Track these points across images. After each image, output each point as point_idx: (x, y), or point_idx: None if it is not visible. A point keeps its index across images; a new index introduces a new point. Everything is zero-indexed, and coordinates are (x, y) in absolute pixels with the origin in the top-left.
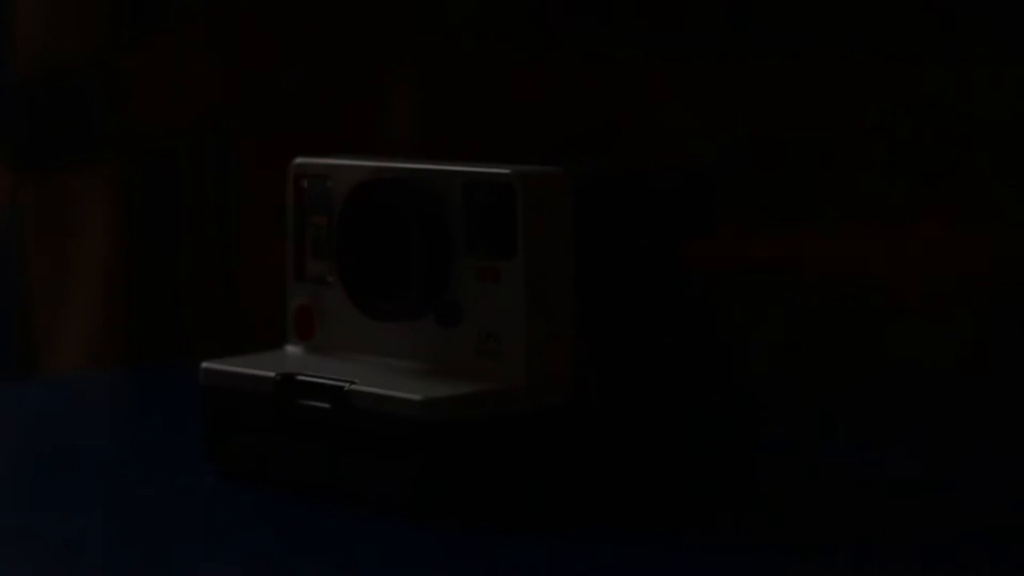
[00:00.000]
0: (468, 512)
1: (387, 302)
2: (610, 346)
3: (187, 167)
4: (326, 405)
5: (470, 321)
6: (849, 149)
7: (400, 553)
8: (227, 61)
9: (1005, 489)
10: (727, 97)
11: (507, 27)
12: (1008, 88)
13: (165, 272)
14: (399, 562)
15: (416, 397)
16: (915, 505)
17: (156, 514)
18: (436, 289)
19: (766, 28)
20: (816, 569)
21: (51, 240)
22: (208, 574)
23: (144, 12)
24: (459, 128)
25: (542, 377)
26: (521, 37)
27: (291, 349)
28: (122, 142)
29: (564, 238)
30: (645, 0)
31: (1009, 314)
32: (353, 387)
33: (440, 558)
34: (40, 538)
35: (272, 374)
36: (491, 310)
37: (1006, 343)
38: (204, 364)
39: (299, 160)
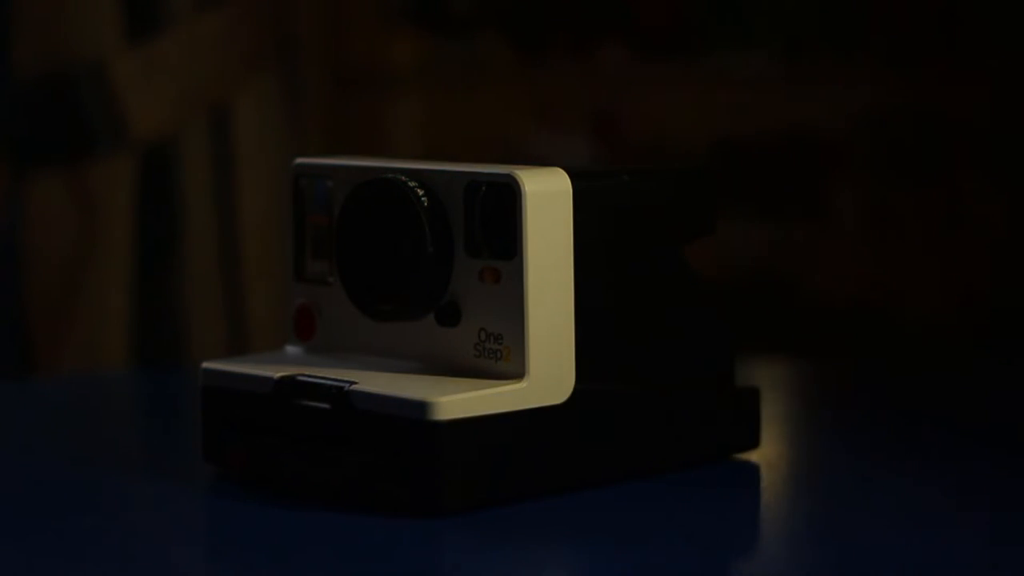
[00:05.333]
0: (468, 512)
1: (387, 302)
2: (610, 347)
3: (187, 167)
4: (326, 406)
5: (470, 321)
6: (849, 149)
7: (400, 553)
8: (227, 61)
9: (1004, 490)
10: (726, 97)
11: (507, 27)
12: (1007, 90)
13: (165, 272)
14: (399, 562)
15: (417, 398)
16: (915, 505)
17: (156, 514)
18: (436, 289)
19: (765, 28)
20: (817, 566)
21: (51, 239)
22: (208, 574)
23: (143, 13)
24: (459, 128)
25: (542, 377)
26: (521, 37)
27: (291, 349)
28: (122, 142)
29: (564, 238)
30: (645, 0)
31: (1008, 314)
32: (354, 387)
33: (440, 558)
34: (40, 538)
35: (272, 374)
36: (491, 310)
37: (1005, 343)
38: (204, 364)
39: (299, 160)
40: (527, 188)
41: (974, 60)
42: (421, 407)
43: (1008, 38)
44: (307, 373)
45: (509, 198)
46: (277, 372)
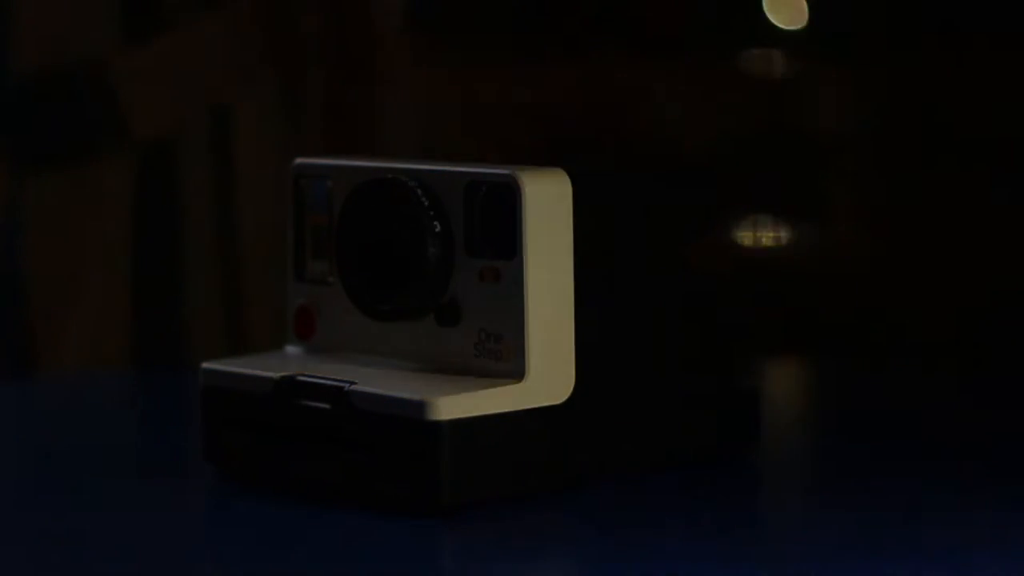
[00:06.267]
0: (468, 512)
1: (387, 302)
2: (610, 347)
3: (187, 167)
4: (326, 405)
5: (470, 321)
6: (848, 150)
7: (400, 553)
8: (227, 61)
9: (1004, 489)
10: (727, 97)
11: (506, 27)
12: (1007, 89)
13: (165, 272)
14: (399, 562)
15: (416, 397)
16: (915, 506)
17: (156, 514)
18: (436, 289)
19: (765, 28)
20: (816, 567)
21: (51, 240)
22: (208, 574)
23: (144, 13)
24: (459, 128)
25: (542, 377)
26: (520, 37)
27: (291, 349)
28: (122, 142)
29: (564, 238)
30: (646, 0)
31: (1008, 314)
32: (353, 387)
33: (440, 558)
34: (40, 538)
35: (272, 374)
36: (491, 310)
37: (1005, 343)
38: (204, 364)
39: (299, 160)
40: (527, 188)
41: (977, 60)
42: (421, 407)
43: (1010, 38)
44: (307, 373)
45: (509, 198)
46: (277, 372)
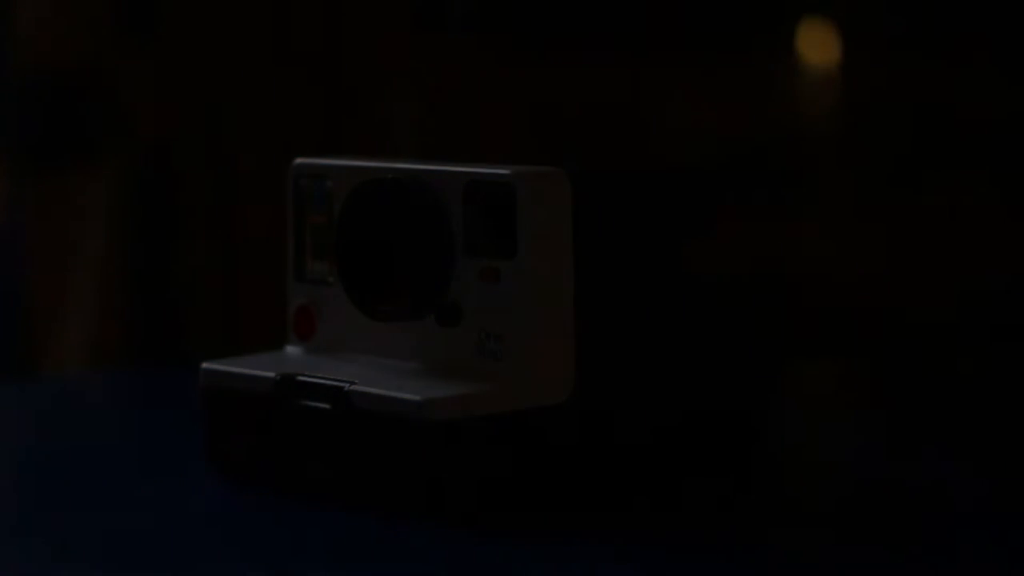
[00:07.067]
0: (468, 512)
1: (387, 302)
2: (610, 347)
3: (186, 167)
4: (326, 405)
5: (470, 321)
6: (848, 149)
7: (400, 553)
8: (227, 61)
9: (1005, 496)
10: (727, 97)
11: (507, 27)
12: (1008, 88)
13: (165, 272)
14: (399, 562)
15: (416, 397)
16: (915, 506)
17: (156, 514)
18: (436, 289)
19: (765, 28)
20: (817, 568)
21: (51, 240)
22: (208, 574)
23: (143, 13)
24: (459, 128)
25: (542, 377)
26: (521, 37)
27: (291, 349)
28: (122, 142)
29: (564, 238)
30: (644, 1)
31: (1009, 314)
32: (353, 387)
33: (440, 559)
34: (40, 538)
35: (272, 374)
36: (491, 310)
37: (1006, 344)
38: (204, 364)
39: (299, 160)
40: (527, 188)
41: (977, 55)
42: (420, 407)
43: (1010, 33)
44: (307, 373)
45: (509, 198)
46: (277, 372)
